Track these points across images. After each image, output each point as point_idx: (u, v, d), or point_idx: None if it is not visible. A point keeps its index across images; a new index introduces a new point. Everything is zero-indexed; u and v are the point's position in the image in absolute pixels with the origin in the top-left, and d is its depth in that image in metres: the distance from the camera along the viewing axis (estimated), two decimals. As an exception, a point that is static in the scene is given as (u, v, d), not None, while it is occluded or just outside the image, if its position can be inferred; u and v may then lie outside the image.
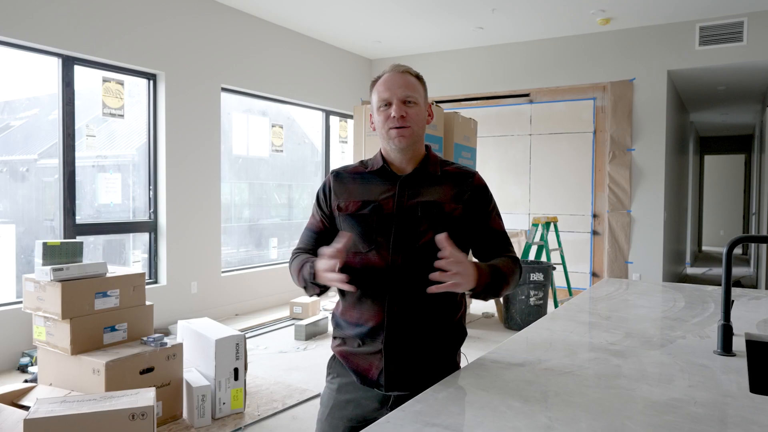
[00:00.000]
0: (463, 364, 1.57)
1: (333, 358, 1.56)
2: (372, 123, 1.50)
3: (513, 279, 1.45)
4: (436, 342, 1.45)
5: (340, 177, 1.53)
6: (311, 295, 1.49)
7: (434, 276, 1.27)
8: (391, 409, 1.40)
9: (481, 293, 1.36)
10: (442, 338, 1.46)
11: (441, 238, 1.28)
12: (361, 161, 1.56)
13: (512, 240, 7.26)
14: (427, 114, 1.50)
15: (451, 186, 1.46)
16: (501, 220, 1.54)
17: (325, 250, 1.34)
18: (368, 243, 1.43)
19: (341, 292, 1.50)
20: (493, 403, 1.20)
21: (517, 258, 1.50)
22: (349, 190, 1.49)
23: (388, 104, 1.43)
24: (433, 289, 1.28)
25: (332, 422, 1.50)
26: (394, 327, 1.41)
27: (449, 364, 1.48)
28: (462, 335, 1.52)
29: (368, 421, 1.41)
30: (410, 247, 1.41)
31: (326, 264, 1.33)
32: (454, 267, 1.26)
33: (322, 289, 1.45)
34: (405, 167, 1.48)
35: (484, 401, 1.21)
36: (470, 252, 1.55)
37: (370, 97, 1.51)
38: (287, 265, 1.59)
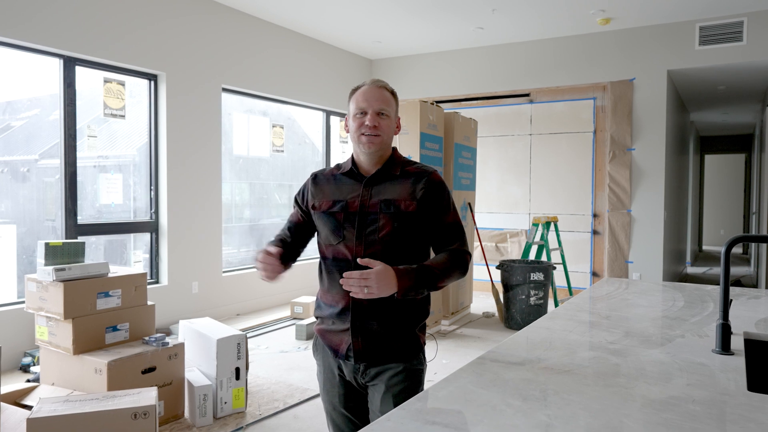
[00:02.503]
0: (432, 347, 1.66)
1: (315, 338, 1.77)
2: (347, 127, 1.71)
3: (451, 272, 1.62)
4: (397, 321, 1.63)
5: (317, 179, 1.77)
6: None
7: (345, 286, 1.49)
8: (363, 376, 1.66)
9: (406, 294, 1.53)
10: (402, 317, 1.64)
11: (365, 261, 1.50)
12: (337, 164, 1.79)
13: (512, 240, 7.35)
14: (395, 126, 1.71)
15: (409, 184, 1.65)
16: (456, 214, 1.70)
17: (268, 249, 1.62)
18: (337, 236, 1.65)
19: (320, 277, 1.73)
20: (492, 402, 1.21)
21: (460, 250, 1.66)
22: (324, 191, 1.72)
23: (364, 113, 1.63)
24: (355, 295, 1.50)
25: (328, 391, 1.74)
26: (358, 308, 1.62)
27: (411, 340, 1.67)
28: (423, 314, 1.71)
29: (352, 385, 1.70)
30: (371, 239, 1.61)
31: (261, 254, 1.61)
32: (363, 282, 1.46)
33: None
34: (371, 169, 1.69)
35: (484, 399, 1.23)
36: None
37: (348, 105, 1.71)
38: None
